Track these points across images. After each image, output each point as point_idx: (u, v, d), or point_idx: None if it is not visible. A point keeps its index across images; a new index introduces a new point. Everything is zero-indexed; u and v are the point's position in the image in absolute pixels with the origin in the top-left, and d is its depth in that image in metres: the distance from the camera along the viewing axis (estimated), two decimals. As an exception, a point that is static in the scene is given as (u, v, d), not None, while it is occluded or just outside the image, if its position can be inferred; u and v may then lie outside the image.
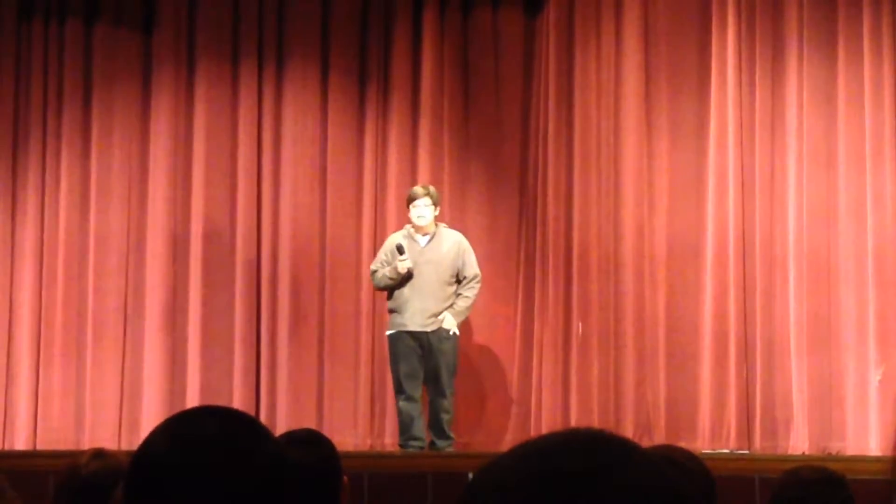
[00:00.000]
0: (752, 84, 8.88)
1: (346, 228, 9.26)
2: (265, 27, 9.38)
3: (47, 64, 9.38)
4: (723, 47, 8.92)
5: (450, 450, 8.22)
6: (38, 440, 9.05)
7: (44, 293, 9.21)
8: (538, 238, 9.11)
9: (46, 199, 9.30)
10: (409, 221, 8.40)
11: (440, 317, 8.23)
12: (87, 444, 8.52)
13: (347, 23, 9.39)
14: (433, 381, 8.25)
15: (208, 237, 9.24)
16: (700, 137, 8.98)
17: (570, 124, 9.11)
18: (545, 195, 9.11)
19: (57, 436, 9.00)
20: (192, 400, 8.91)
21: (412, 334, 8.23)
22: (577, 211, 9.02)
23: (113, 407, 9.09)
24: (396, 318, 8.30)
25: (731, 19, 8.93)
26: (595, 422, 8.74)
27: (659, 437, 8.53)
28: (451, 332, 8.24)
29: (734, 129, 8.85)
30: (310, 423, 8.60)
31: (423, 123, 9.28)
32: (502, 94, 9.35)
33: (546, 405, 8.90)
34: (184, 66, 9.37)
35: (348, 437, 8.86)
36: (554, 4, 9.20)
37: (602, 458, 1.06)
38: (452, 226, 8.72)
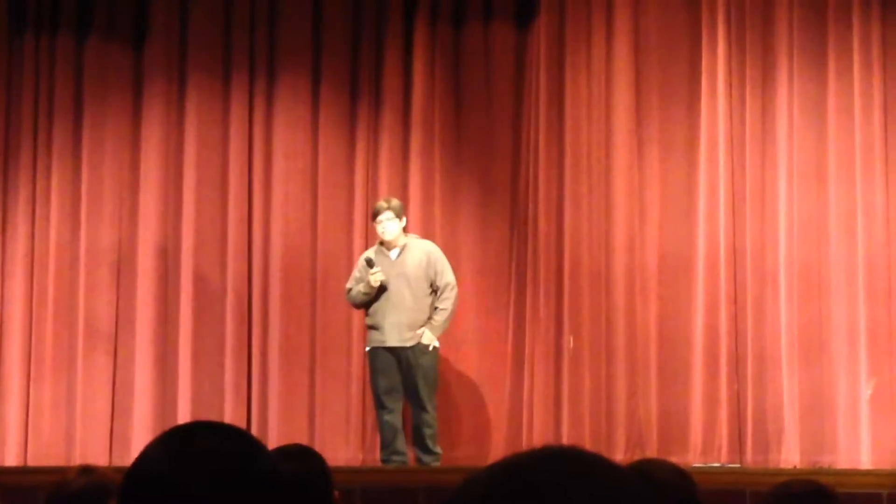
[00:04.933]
0: (742, 97, 8.91)
1: (337, 242, 9.26)
2: (256, 41, 9.39)
3: (38, 78, 9.38)
4: (713, 61, 8.95)
5: (436, 465, 8.20)
6: (28, 455, 9.02)
7: (34, 307, 9.19)
8: (529, 252, 9.11)
9: (37, 212, 9.28)
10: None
11: (419, 331, 8.20)
12: (77, 459, 8.51)
13: (338, 37, 9.40)
14: (413, 396, 8.23)
15: (199, 251, 9.23)
16: (690, 150, 9.00)
17: (560, 137, 9.13)
18: (536, 209, 9.11)
19: (47, 451, 8.97)
20: (183, 414, 8.89)
21: (391, 350, 8.21)
22: (568, 224, 9.03)
23: (104, 421, 9.07)
24: (375, 335, 8.27)
25: (721, 33, 8.96)
26: (587, 435, 8.74)
27: (651, 451, 8.53)
28: (430, 347, 8.21)
29: (724, 142, 8.88)
30: (301, 438, 8.59)
31: (415, 137, 9.28)
32: (493, 107, 9.35)
33: (538, 419, 8.89)
34: (175, 80, 9.37)
35: (340, 451, 8.84)
36: (545, 18, 9.22)
37: (570, 471, 1.11)
38: (444, 240, 8.72)
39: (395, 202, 8.36)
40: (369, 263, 8.18)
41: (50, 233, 9.25)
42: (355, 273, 8.40)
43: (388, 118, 9.31)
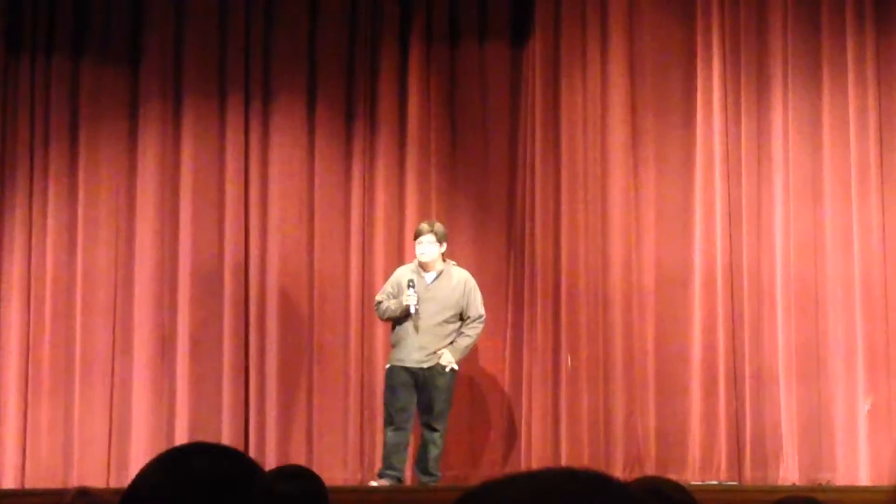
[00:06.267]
0: (737, 115, 8.93)
1: (334, 263, 9.26)
2: (251, 63, 9.40)
3: (34, 100, 9.38)
4: (708, 79, 8.97)
5: (434, 485, 8.20)
6: (26, 478, 9.00)
7: (31, 330, 9.17)
8: (526, 271, 9.12)
9: (33, 234, 9.28)
10: (415, 257, 8.46)
11: (439, 353, 8.25)
12: (75, 482, 8.49)
13: (333, 57, 9.41)
14: (426, 414, 8.26)
15: (196, 273, 9.23)
16: (687, 168, 9.02)
17: (556, 156, 9.14)
18: (532, 228, 9.12)
19: (45, 474, 8.95)
20: (181, 436, 8.88)
21: (408, 370, 8.24)
22: (565, 243, 9.04)
23: (101, 444, 9.05)
24: (395, 353, 8.33)
25: (716, 51, 8.98)
26: (585, 454, 8.73)
27: (649, 469, 8.53)
28: (447, 369, 8.25)
29: (720, 160, 8.89)
30: (299, 459, 8.60)
31: (410, 158, 9.29)
32: (489, 127, 9.37)
33: (536, 438, 8.88)
34: (170, 102, 9.38)
35: (338, 472, 8.84)
36: (540, 37, 9.24)
37: (580, 490, 1.09)
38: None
39: (439, 226, 8.44)
40: (410, 285, 8.23)
41: (46, 255, 9.24)
42: (387, 287, 8.44)
43: (384, 138, 9.32)
